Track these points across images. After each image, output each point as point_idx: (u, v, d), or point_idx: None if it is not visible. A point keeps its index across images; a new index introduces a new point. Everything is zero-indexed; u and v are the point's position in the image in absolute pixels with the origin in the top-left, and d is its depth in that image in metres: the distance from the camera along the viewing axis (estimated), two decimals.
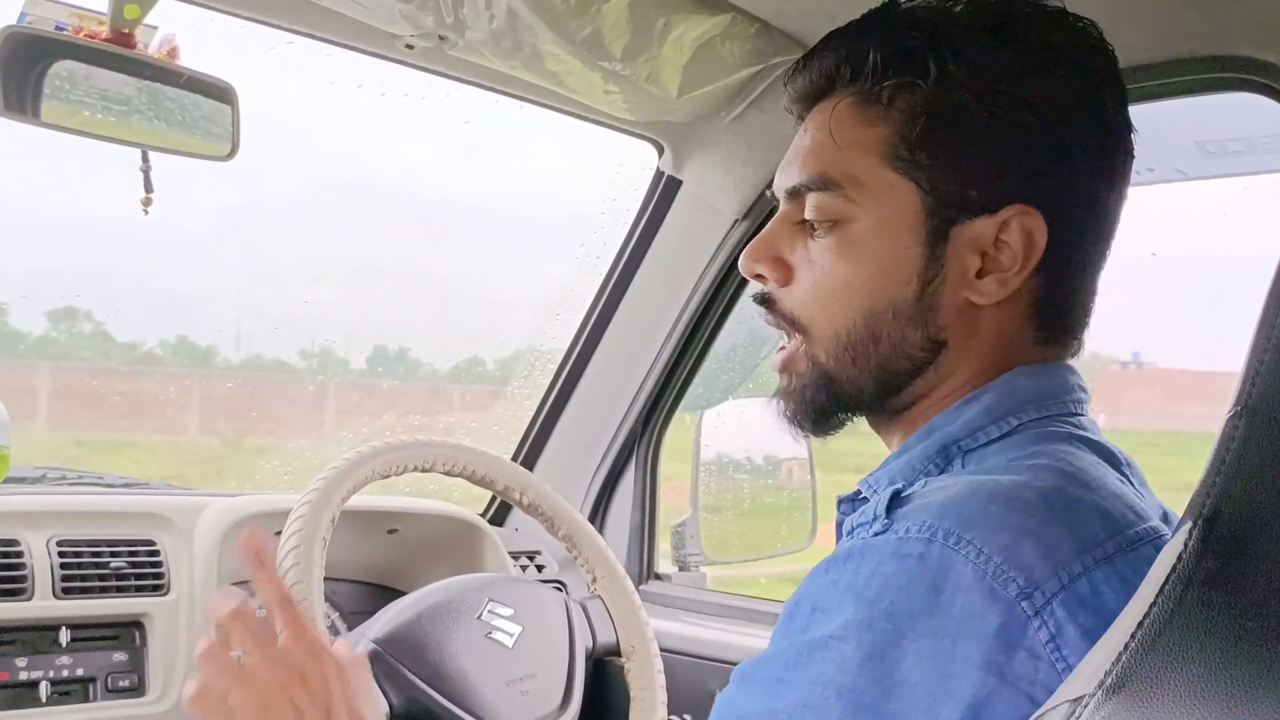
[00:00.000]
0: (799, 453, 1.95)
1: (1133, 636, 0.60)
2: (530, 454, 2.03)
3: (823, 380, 0.85)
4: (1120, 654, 0.60)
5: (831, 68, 0.85)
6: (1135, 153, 0.85)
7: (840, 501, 0.87)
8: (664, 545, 2.04)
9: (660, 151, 1.77)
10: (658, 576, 2.00)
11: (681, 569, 1.99)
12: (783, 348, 0.88)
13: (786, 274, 0.86)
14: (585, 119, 1.66)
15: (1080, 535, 0.70)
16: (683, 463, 2.00)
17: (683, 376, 1.92)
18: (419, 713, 1.28)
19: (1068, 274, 0.83)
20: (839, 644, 0.67)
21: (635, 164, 1.86)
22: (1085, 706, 0.60)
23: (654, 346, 1.87)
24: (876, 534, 0.71)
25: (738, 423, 1.98)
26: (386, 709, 1.26)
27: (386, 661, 1.29)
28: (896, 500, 0.74)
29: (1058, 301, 0.83)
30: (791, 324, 0.86)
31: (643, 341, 1.89)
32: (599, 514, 2.00)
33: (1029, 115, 0.79)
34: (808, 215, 0.84)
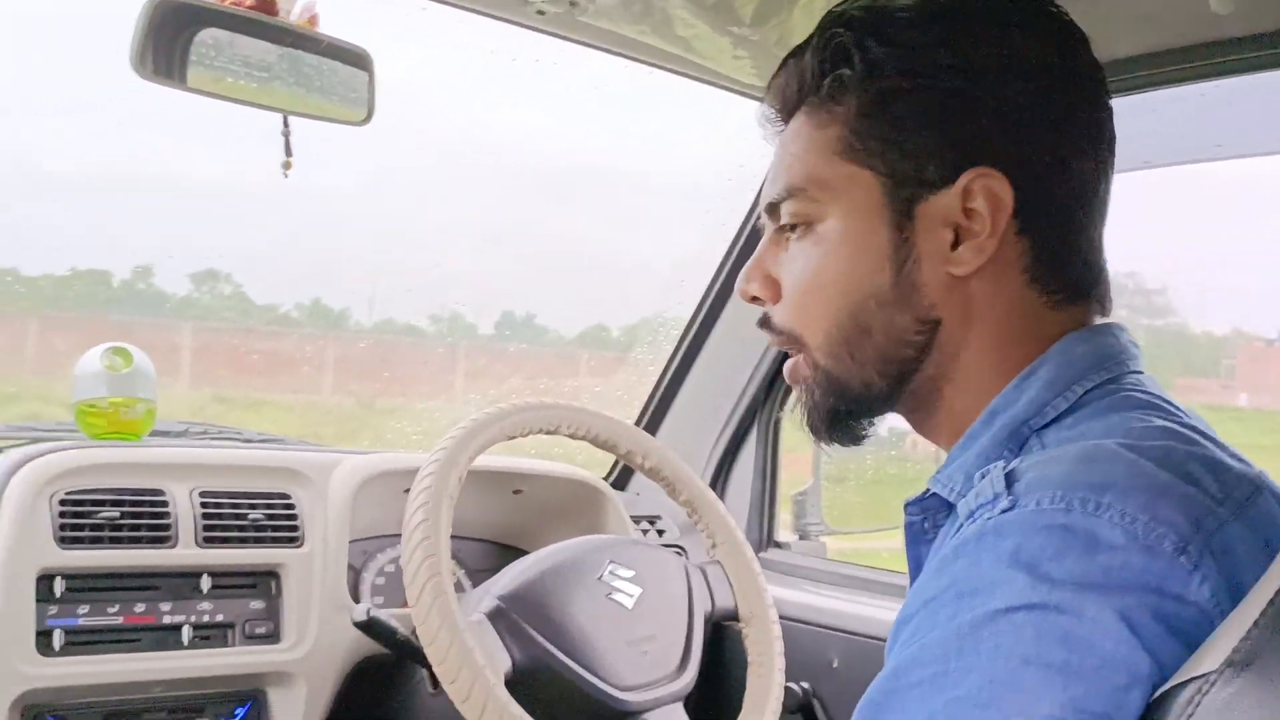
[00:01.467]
0: None
1: (1264, 614, 0.59)
2: (653, 419, 2.05)
3: (827, 382, 0.85)
4: (1250, 630, 0.59)
5: (783, 90, 0.88)
6: (1109, 97, 0.85)
7: (908, 504, 0.85)
8: (784, 516, 2.03)
9: None
10: (777, 545, 2.00)
11: (802, 538, 1.99)
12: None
13: (776, 290, 0.87)
14: (714, 84, 1.66)
15: (1206, 490, 0.69)
16: (804, 434, 2.00)
17: None
18: (540, 669, 1.31)
19: (1054, 230, 0.82)
20: (1009, 615, 0.64)
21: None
22: (1211, 684, 0.59)
23: None
24: (1005, 510, 0.69)
25: None
26: (509, 663, 1.29)
27: (510, 618, 1.32)
28: (1011, 476, 0.71)
29: (1054, 260, 0.82)
30: (787, 338, 0.87)
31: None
32: (720, 481, 2.00)
33: (963, 81, 0.80)
34: (782, 222, 0.86)
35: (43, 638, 1.33)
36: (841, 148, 0.83)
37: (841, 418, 0.86)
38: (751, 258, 0.89)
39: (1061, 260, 0.82)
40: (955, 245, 0.80)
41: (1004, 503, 0.69)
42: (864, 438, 0.89)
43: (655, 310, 2.30)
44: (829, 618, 1.72)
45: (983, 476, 0.74)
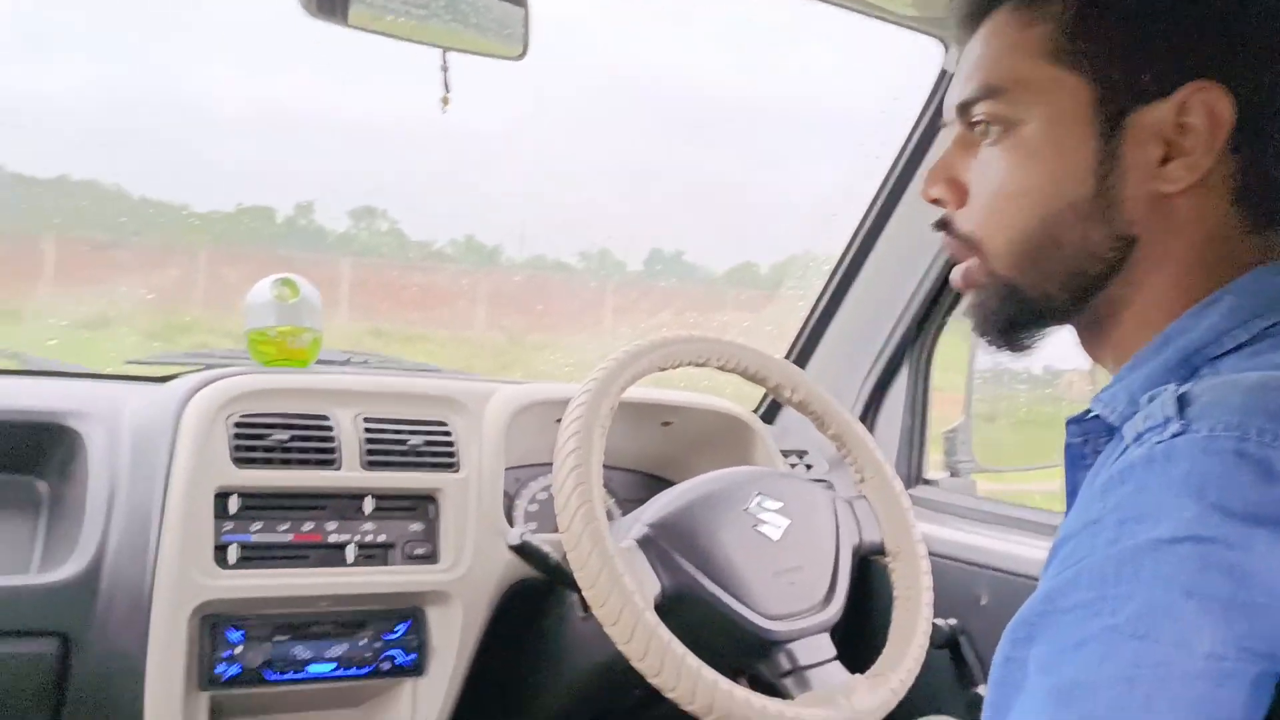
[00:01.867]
0: (1080, 364, 1.89)
1: None
2: (803, 354, 2.05)
3: (1005, 290, 0.82)
4: None
5: None
6: None
7: (1069, 423, 0.83)
8: (934, 456, 2.02)
9: (945, 48, 1.72)
10: (927, 481, 1.98)
11: (952, 475, 1.97)
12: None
13: (962, 194, 0.84)
14: (868, 14, 1.63)
15: None
16: (954, 373, 1.97)
17: None
18: (688, 596, 1.33)
19: (1269, 151, 0.77)
20: (1173, 546, 0.62)
21: (918, 62, 1.81)
22: None
23: (931, 249, 1.84)
24: (1176, 434, 0.66)
25: None
26: (658, 589, 1.31)
27: (659, 545, 1.34)
28: (1184, 399, 0.69)
29: (1262, 183, 0.77)
30: (966, 243, 0.84)
31: (920, 243, 1.86)
32: (869, 416, 1.99)
33: None
34: (975, 120, 0.83)
35: (219, 552, 1.41)
36: (1050, 49, 0.79)
37: (1015, 326, 0.85)
38: (938, 159, 0.87)
39: (1273, 183, 0.78)
40: (1164, 161, 0.77)
41: (1175, 426, 0.67)
42: (1030, 348, 0.87)
43: (804, 247, 2.29)
44: (978, 555, 1.71)
45: (1150, 399, 0.71)
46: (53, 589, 1.36)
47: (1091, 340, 0.86)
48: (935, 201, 0.87)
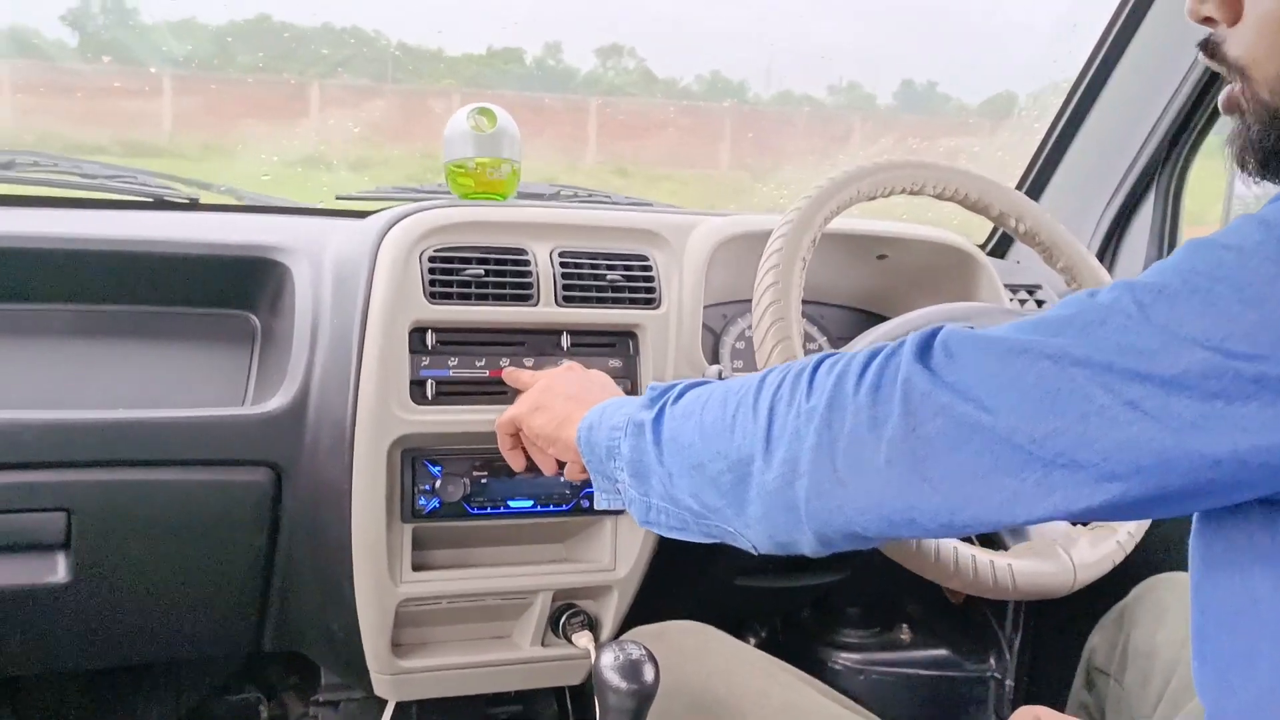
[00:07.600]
0: None
1: None
2: (1037, 182, 1.89)
3: (1271, 119, 0.76)
4: None
5: None
6: None
7: None
8: None
9: None
10: None
11: None
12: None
13: (1235, 10, 0.77)
14: None
15: None
16: (1210, 201, 1.77)
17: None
18: None
19: None
20: (1223, 250, 0.66)
21: None
22: None
23: (1185, 60, 1.64)
24: None
25: None
26: None
27: None
28: None
29: None
30: (1232, 68, 0.77)
31: (1172, 56, 1.65)
32: (1110, 247, 1.82)
33: None
34: None
35: (416, 387, 1.40)
36: None
37: (1277, 157, 0.78)
38: None
39: None
40: None
41: None
42: None
43: (1064, 74, 2.10)
44: None
45: None
46: (264, 420, 1.39)
47: None
48: (1205, 21, 0.80)
